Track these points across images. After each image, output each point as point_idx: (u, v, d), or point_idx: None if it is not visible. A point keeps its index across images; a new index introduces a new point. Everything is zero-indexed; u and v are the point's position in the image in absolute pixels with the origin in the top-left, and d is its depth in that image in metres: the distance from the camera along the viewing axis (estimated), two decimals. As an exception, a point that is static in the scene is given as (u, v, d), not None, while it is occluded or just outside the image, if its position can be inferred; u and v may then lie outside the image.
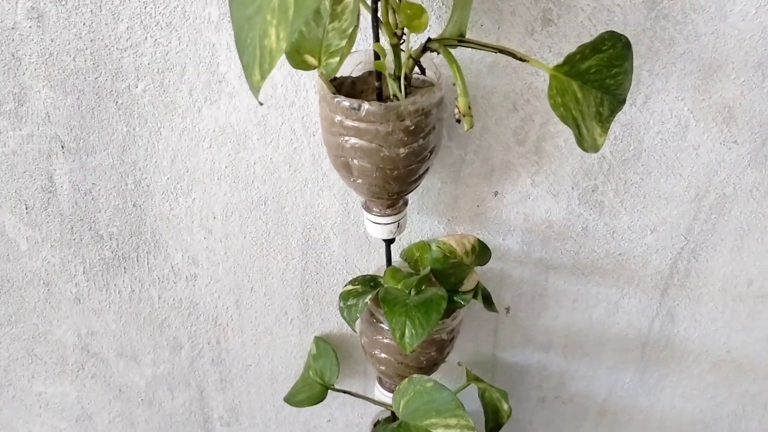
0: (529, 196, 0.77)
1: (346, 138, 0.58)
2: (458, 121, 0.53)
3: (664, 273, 0.86)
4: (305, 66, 0.55)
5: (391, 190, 0.62)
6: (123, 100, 0.65)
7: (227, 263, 0.79)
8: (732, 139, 0.74)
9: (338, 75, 0.61)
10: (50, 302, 0.80)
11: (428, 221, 0.78)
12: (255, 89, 0.41)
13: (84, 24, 0.60)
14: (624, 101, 0.58)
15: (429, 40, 0.57)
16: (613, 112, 0.58)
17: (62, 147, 0.67)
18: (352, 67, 0.63)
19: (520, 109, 0.70)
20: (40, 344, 0.84)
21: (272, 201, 0.74)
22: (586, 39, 0.66)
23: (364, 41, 0.64)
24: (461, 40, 0.57)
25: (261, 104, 0.46)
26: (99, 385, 0.90)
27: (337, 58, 0.53)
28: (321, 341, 0.85)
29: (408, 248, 0.76)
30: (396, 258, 0.77)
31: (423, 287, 0.69)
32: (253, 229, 0.76)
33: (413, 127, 0.58)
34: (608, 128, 0.58)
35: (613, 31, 0.54)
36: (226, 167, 0.71)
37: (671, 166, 0.76)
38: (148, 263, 0.78)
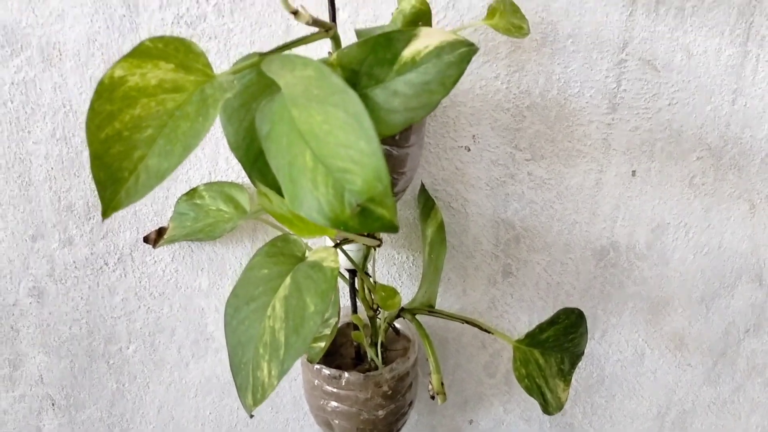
0: (502, 422, 0.80)
1: (327, 401, 0.62)
2: (432, 397, 0.58)
3: (637, 485, 0.88)
4: (290, 349, 0.59)
5: (371, 444, 0.65)
6: (114, 361, 0.69)
7: (208, 498, 0.80)
8: (686, 362, 0.80)
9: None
10: None
11: (406, 449, 0.81)
12: (247, 410, 0.45)
13: (81, 298, 0.65)
14: (582, 353, 0.64)
15: (402, 309, 0.63)
16: (574, 364, 0.63)
17: (53, 404, 0.69)
18: (331, 323, 0.68)
19: (488, 347, 0.75)
20: None
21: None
22: (544, 286, 0.73)
23: (343, 298, 0.69)
24: (431, 311, 0.63)
25: (252, 416, 0.50)
26: None
27: (322, 344, 0.58)
28: None
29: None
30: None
31: None
32: (236, 467, 0.78)
33: (391, 391, 0.62)
34: (570, 380, 0.63)
35: (567, 308, 0.60)
36: (210, 413, 0.73)
37: (632, 388, 0.81)
38: (129, 503, 0.78)
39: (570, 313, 0.60)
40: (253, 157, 0.43)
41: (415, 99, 0.43)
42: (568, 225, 0.70)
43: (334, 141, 0.35)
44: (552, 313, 0.74)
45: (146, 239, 0.61)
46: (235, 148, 0.43)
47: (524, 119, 0.65)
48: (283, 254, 0.49)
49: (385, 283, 0.70)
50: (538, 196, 0.68)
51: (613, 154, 0.67)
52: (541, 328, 0.59)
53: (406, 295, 0.71)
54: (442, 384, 0.57)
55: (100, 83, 0.36)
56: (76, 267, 0.64)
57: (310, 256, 0.49)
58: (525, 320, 0.74)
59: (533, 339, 0.60)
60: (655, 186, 0.70)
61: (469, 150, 0.66)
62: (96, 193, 0.63)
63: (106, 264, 0.64)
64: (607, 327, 0.76)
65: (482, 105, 0.64)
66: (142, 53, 0.38)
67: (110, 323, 0.67)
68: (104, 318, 0.66)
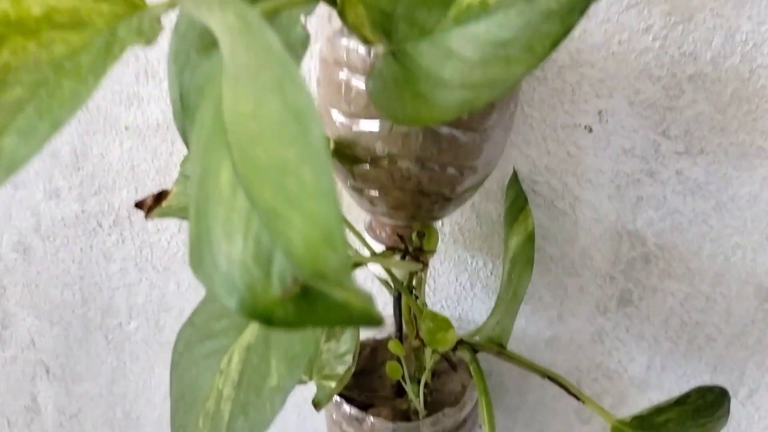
0: (590, 475, 0.62)
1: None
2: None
3: None
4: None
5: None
6: (113, 336, 0.57)
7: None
8: None
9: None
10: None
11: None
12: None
13: (73, 261, 0.53)
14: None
15: (461, 341, 0.46)
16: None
17: (47, 372, 0.60)
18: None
19: (586, 388, 0.57)
20: None
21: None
22: (676, 323, 0.52)
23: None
24: (501, 352, 0.45)
25: None
26: None
27: (333, 384, 0.42)
28: None
29: None
30: None
31: None
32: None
33: (431, 449, 0.45)
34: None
35: (702, 386, 0.40)
36: (227, 409, 0.61)
37: (780, 467, 0.59)
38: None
39: (706, 392, 0.40)
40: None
41: (481, 69, 0.24)
42: (726, 249, 0.48)
43: (264, 153, 0.17)
44: (683, 360, 0.54)
45: (139, 204, 0.47)
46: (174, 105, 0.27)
47: (682, 94, 0.43)
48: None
49: (452, 292, 0.53)
50: (687, 205, 0.47)
51: (815, 157, 0.45)
52: (660, 409, 0.40)
53: (479, 310, 0.53)
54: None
55: None
56: (65, 225, 0.51)
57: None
58: (642, 362, 0.55)
59: (644, 422, 0.41)
60: None
61: (592, 131, 0.45)
62: (84, 139, 0.49)
63: (100, 225, 0.51)
64: (759, 386, 0.55)
65: (619, 68, 0.43)
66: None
67: (107, 294, 0.55)
68: (100, 287, 0.54)
